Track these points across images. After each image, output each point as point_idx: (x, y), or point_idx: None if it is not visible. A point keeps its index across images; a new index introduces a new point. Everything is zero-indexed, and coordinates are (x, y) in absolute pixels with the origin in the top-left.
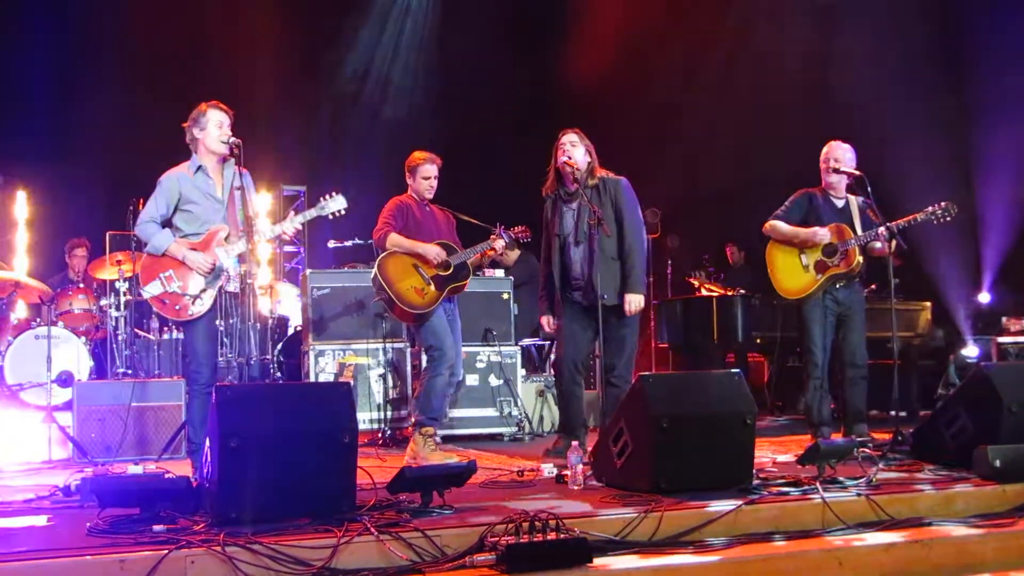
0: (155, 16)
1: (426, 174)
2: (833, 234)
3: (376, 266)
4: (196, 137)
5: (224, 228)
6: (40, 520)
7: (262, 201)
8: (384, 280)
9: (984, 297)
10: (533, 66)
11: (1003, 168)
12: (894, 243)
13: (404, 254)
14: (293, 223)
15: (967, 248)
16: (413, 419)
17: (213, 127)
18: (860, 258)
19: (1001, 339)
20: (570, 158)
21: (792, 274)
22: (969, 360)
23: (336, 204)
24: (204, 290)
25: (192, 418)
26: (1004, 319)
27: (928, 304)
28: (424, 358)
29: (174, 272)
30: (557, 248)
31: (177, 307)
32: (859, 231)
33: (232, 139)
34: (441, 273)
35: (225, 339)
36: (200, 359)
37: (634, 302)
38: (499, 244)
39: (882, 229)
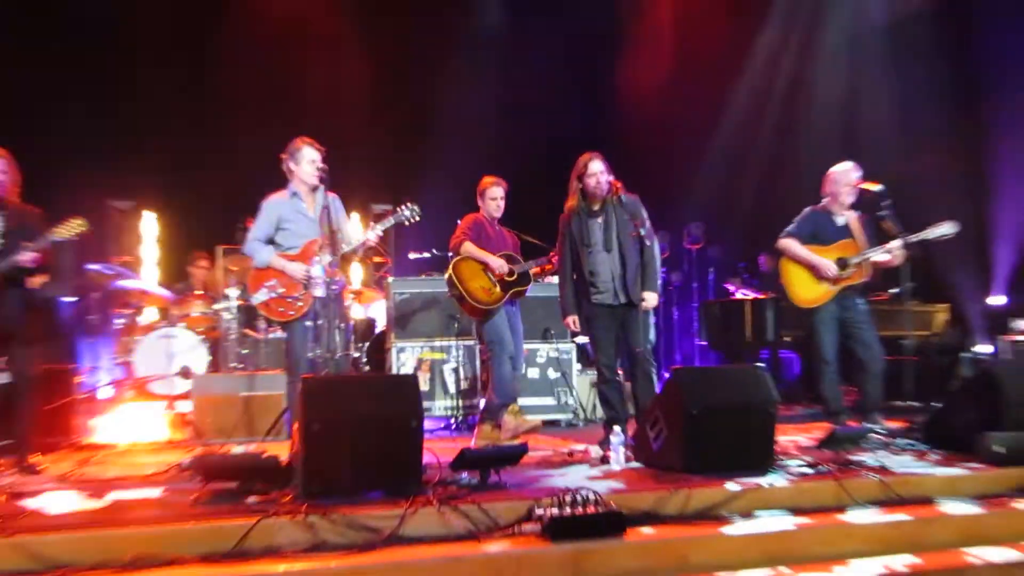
0: (257, 55)
1: (493, 195)
2: (843, 249)
3: (451, 266)
4: (292, 169)
5: (318, 241)
6: (156, 492)
7: (353, 219)
8: (457, 279)
9: (996, 300)
10: (591, 98)
11: (1014, 183)
12: (902, 253)
13: (474, 260)
14: (375, 231)
15: (981, 255)
16: (484, 404)
17: (306, 163)
18: (866, 273)
19: (1011, 339)
20: (611, 178)
21: (806, 286)
22: (982, 357)
23: (409, 212)
24: (302, 294)
25: (292, 405)
26: (1013, 321)
27: (945, 306)
28: (488, 353)
29: (277, 281)
30: (586, 256)
31: (280, 309)
32: (863, 245)
33: (321, 166)
34: (506, 278)
35: (317, 337)
36: (298, 354)
37: (651, 299)
38: (556, 259)
39: (898, 242)
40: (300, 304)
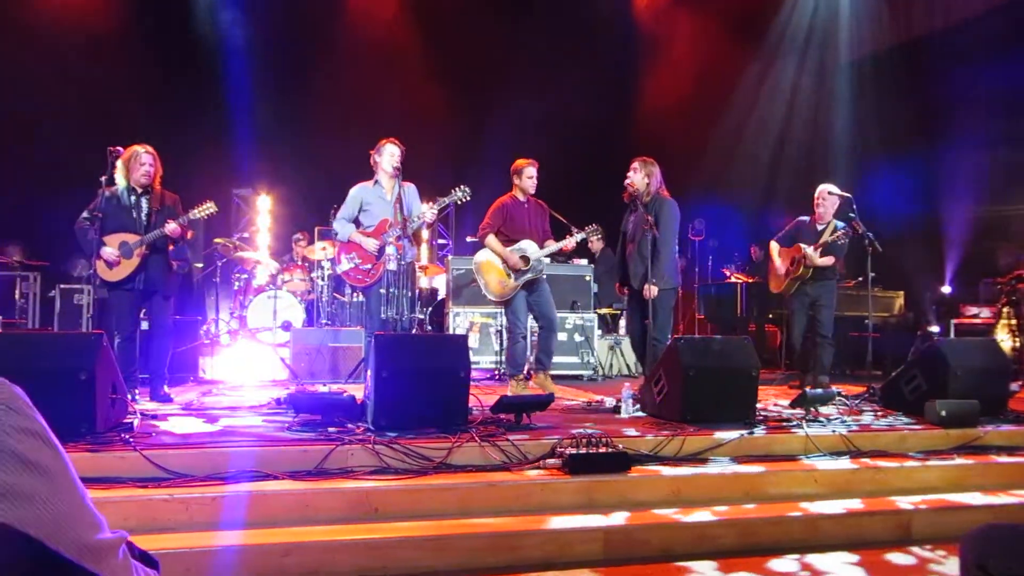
0: (350, 74)
1: (530, 174)
2: (794, 251)
3: (475, 260)
4: (376, 160)
5: (388, 219)
6: (258, 420)
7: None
8: (478, 271)
9: (946, 289)
10: (617, 112)
11: (961, 192)
12: (813, 255)
13: (495, 252)
14: (432, 210)
15: (933, 253)
16: (506, 371)
17: (388, 156)
18: (804, 267)
19: (957, 321)
20: (631, 181)
21: (775, 278)
22: (932, 336)
23: (461, 194)
24: (374, 264)
25: (368, 355)
26: (961, 306)
27: (902, 293)
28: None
29: (356, 253)
30: (621, 243)
31: (359, 276)
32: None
33: (396, 163)
34: (522, 268)
35: (389, 302)
36: (373, 314)
37: (652, 290)
38: (571, 242)
39: (809, 249)
40: (373, 272)
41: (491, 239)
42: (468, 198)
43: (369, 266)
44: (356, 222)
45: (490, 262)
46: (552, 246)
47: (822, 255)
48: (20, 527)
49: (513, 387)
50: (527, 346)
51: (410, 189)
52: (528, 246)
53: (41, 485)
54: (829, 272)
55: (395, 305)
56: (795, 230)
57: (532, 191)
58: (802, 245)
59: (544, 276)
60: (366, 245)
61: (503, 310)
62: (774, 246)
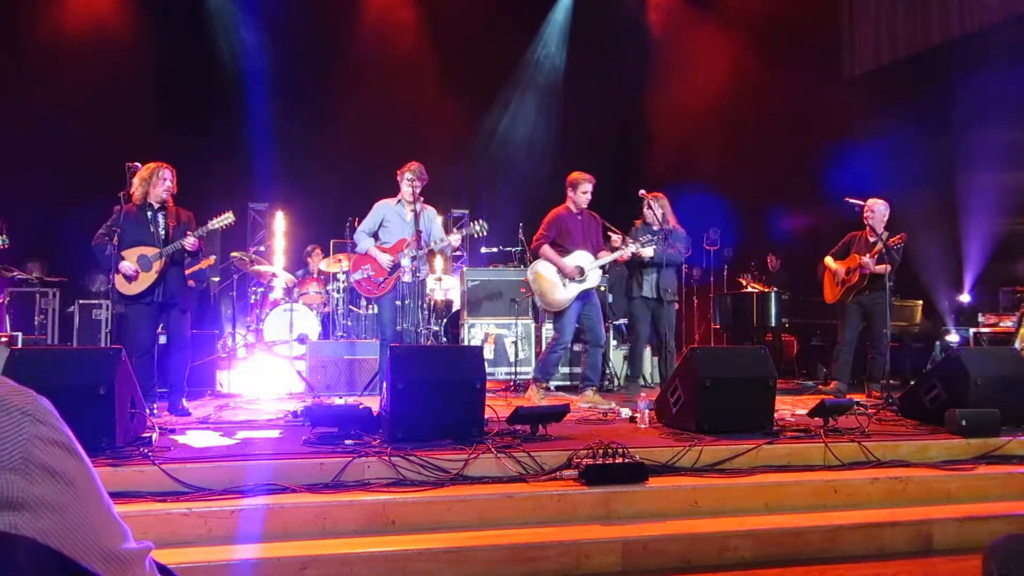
0: (364, 92)
1: (584, 189)
2: (849, 262)
3: (531, 270)
4: (399, 182)
5: (406, 239)
6: (275, 433)
7: (438, 221)
8: (534, 281)
9: (965, 297)
10: (632, 123)
11: (981, 205)
12: (870, 263)
13: (551, 263)
14: (456, 237)
15: (953, 261)
16: (532, 375)
17: (406, 181)
18: (861, 276)
19: (976, 330)
20: (650, 213)
21: (829, 288)
22: (952, 345)
23: (479, 227)
24: (386, 279)
25: (383, 367)
26: (980, 315)
27: (920, 302)
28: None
29: (370, 265)
30: (637, 262)
31: (370, 288)
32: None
33: (414, 185)
34: (577, 277)
35: (402, 314)
36: (385, 324)
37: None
38: (627, 252)
39: (865, 258)
40: (384, 286)
41: (546, 249)
42: (485, 233)
43: (381, 279)
44: (376, 236)
45: (546, 272)
46: (607, 256)
47: (877, 263)
48: (43, 539)
49: (533, 392)
50: (560, 358)
51: (429, 212)
52: (582, 257)
53: (67, 496)
54: (883, 282)
55: (410, 317)
56: (849, 242)
57: (585, 204)
58: (857, 255)
59: (594, 289)
60: (381, 260)
61: (553, 320)
62: (828, 260)
